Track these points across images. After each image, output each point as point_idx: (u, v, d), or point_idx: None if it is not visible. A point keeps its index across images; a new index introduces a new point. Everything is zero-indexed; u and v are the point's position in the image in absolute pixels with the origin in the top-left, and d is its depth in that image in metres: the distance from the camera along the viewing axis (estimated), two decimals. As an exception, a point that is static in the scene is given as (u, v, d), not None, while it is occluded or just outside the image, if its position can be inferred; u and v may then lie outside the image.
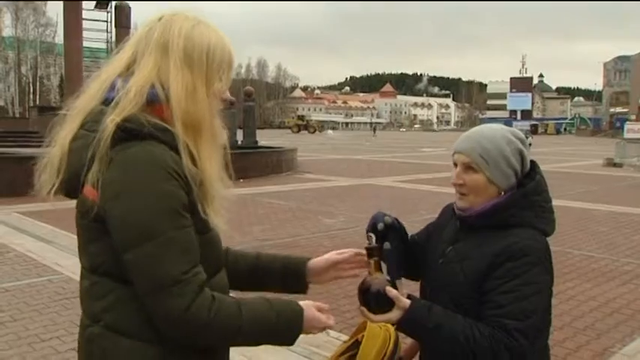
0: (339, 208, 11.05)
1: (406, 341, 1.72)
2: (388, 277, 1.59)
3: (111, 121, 1.21)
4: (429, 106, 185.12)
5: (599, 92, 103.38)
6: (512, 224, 1.59)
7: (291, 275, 1.63)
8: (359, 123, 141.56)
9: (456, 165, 1.67)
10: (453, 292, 1.61)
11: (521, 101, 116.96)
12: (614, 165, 23.38)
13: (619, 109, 77.32)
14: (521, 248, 1.53)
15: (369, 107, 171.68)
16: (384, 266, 1.62)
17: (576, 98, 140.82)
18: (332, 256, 1.66)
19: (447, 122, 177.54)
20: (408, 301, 1.51)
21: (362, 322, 1.66)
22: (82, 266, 1.34)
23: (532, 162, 1.68)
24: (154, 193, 1.19)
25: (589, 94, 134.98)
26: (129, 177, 1.19)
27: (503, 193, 1.62)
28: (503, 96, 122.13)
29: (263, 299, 1.36)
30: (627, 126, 53.67)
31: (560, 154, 33.00)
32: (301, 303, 1.41)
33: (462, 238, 1.69)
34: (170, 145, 1.24)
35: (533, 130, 42.78)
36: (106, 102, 1.28)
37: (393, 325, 1.55)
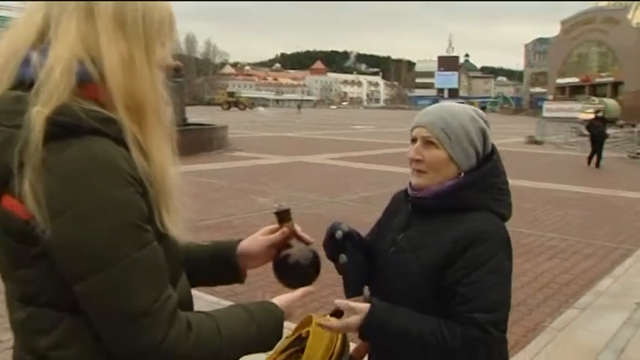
0: (272, 187, 10.87)
1: (356, 339, 1.60)
2: (310, 248, 1.40)
3: (38, 114, 0.93)
4: (359, 84, 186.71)
5: (521, 72, 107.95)
6: (469, 207, 1.49)
7: (221, 264, 1.40)
8: (290, 100, 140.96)
9: (414, 140, 1.55)
10: (408, 285, 1.49)
11: (449, 80, 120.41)
12: (536, 142, 24.52)
13: (538, 89, 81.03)
14: (481, 233, 1.43)
15: (299, 84, 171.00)
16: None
17: (499, 78, 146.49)
18: (263, 237, 1.41)
19: (377, 100, 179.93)
20: (366, 305, 1.39)
21: (307, 316, 1.51)
22: (8, 293, 1.07)
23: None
24: (107, 207, 0.95)
25: (511, 74, 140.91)
26: (73, 188, 0.93)
27: (462, 174, 1.52)
28: (431, 74, 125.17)
29: (242, 310, 1.16)
30: (546, 105, 56.56)
31: (485, 132, 34.13)
32: (282, 302, 1.23)
33: (414, 223, 1.57)
34: (116, 138, 0.98)
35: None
36: (20, 84, 0.99)
37: (355, 332, 1.42)
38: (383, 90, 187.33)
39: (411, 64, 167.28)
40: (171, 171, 1.08)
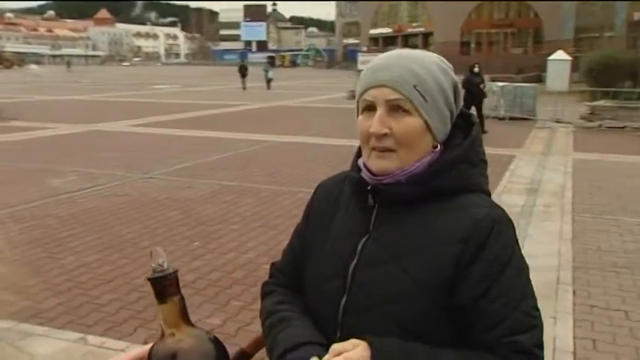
0: (67, 164, 9.71)
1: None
2: (209, 336, 1.07)
3: None
4: (155, 37, 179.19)
5: (332, 23, 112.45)
6: (461, 189, 1.20)
7: None
8: (71, 56, 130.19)
9: (369, 108, 1.19)
10: (396, 312, 1.13)
11: (256, 31, 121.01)
12: (357, 97, 25.63)
13: (351, 40, 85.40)
14: (495, 222, 1.14)
15: (81, 37, 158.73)
16: None
17: (310, 29, 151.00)
18: None
19: (177, 55, 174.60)
20: (363, 343, 1.05)
21: None
22: None
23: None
24: None
25: (322, 25, 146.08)
26: None
27: (438, 147, 1.20)
28: (236, 25, 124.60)
29: None
30: (360, 57, 59.67)
31: (303, 88, 35.09)
32: None
33: (382, 221, 1.21)
34: None
35: (271, 62, 44.39)
36: None
37: None
38: (183, 43, 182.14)
39: (213, 14, 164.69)
40: None
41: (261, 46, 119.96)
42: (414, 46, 54.22)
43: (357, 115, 1.23)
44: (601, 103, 18.36)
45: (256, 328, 3.88)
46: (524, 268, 1.15)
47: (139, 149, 11.54)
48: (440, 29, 59.72)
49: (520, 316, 1.10)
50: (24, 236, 5.82)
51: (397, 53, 1.23)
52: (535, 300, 1.15)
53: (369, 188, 1.22)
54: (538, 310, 1.14)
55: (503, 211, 1.19)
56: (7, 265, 5.05)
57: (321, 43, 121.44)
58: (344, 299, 1.19)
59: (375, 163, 1.19)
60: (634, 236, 6.14)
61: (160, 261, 1.03)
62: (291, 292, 1.33)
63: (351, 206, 1.28)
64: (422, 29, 65.40)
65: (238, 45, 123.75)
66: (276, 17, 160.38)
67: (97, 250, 5.43)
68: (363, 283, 1.17)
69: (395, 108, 1.16)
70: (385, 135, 1.16)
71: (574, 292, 4.56)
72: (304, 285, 1.30)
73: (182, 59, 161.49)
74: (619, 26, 51.03)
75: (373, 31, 73.41)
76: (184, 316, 1.04)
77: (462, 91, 1.27)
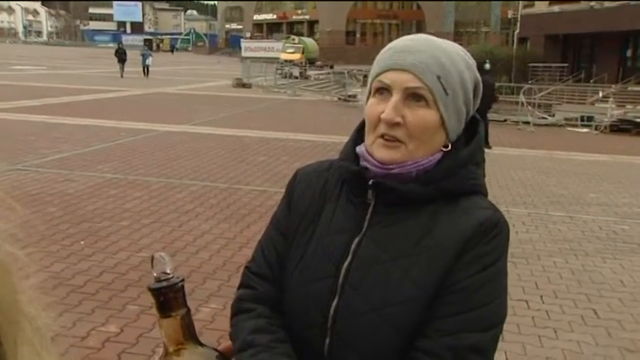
0: None
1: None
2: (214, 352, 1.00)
3: None
4: (10, 10, 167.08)
5: (214, 6, 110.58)
6: (466, 190, 1.16)
7: None
8: None
9: (381, 90, 1.12)
10: (397, 316, 1.08)
11: (131, 12, 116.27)
12: (244, 85, 25.45)
13: (234, 26, 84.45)
14: (495, 225, 1.12)
15: None
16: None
17: (189, 11, 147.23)
18: None
19: (39, 33, 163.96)
20: None
21: None
22: None
23: None
24: None
25: (203, 8, 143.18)
26: None
27: (449, 147, 1.16)
28: (108, 4, 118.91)
29: None
30: (244, 44, 59.28)
31: (187, 75, 34.13)
32: None
33: (380, 219, 1.15)
34: None
35: (149, 46, 42.72)
36: None
37: None
38: (46, 20, 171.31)
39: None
40: None
41: (137, 27, 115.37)
42: (300, 34, 54.71)
43: (368, 98, 1.15)
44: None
45: (158, 334, 3.74)
46: (502, 280, 1.12)
47: (4, 137, 10.67)
48: (325, 17, 60.64)
49: (475, 317, 1.07)
50: None
51: (424, 37, 1.17)
52: (499, 316, 1.11)
53: (370, 183, 1.14)
54: (497, 327, 1.10)
55: (504, 216, 1.17)
56: None
57: (201, 27, 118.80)
58: (335, 302, 1.12)
59: (380, 151, 1.12)
60: (525, 227, 6.56)
61: (164, 268, 0.92)
62: (273, 314, 1.19)
63: (342, 200, 1.20)
64: (307, 17, 66.04)
65: (111, 25, 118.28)
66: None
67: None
68: (358, 285, 1.11)
69: (413, 96, 1.10)
70: (397, 124, 1.09)
71: (477, 284, 4.78)
72: (283, 284, 1.19)
73: (44, 38, 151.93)
74: (494, 23, 54.47)
75: (257, 17, 73.10)
76: (191, 332, 0.94)
77: (481, 91, 1.22)
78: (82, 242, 5.33)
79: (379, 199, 1.15)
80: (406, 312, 1.08)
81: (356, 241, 1.14)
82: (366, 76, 15.27)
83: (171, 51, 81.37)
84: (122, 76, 28.04)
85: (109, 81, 25.92)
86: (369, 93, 1.16)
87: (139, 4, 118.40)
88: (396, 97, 1.09)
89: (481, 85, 1.21)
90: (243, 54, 52.31)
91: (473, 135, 1.20)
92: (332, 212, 1.20)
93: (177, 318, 0.93)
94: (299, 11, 67.32)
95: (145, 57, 30.02)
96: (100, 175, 7.91)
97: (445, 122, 1.13)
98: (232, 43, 75.61)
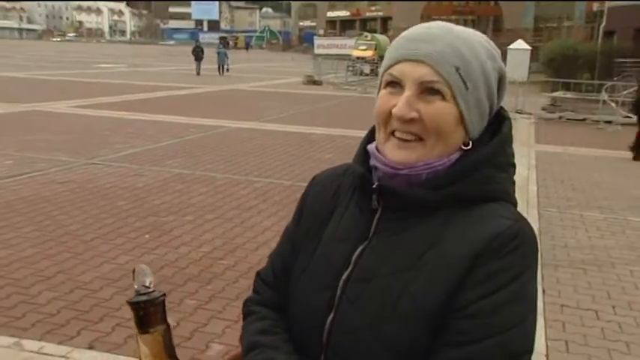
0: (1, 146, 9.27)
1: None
2: None
3: None
4: (98, 12, 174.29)
5: (288, 4, 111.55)
6: (482, 197, 1.03)
7: None
8: (3, 28, 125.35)
9: (393, 84, 1.03)
10: (393, 335, 0.99)
11: (208, 10, 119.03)
12: (315, 83, 25.52)
13: (308, 23, 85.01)
14: (514, 237, 0.98)
15: (15, 8, 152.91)
16: None
17: (265, 9, 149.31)
18: None
19: (123, 32, 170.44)
20: None
21: None
22: None
23: None
24: None
25: (278, 6, 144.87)
26: None
27: (469, 145, 1.04)
28: (187, 3, 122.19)
29: None
30: (317, 41, 59.53)
31: (260, 72, 34.65)
32: None
33: (386, 227, 1.05)
34: None
35: (224, 44, 43.51)
36: None
37: None
38: (129, 20, 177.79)
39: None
40: None
41: (213, 25, 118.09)
42: (373, 31, 54.43)
43: (378, 91, 1.07)
44: (560, 94, 18.75)
45: (213, 330, 3.75)
46: (525, 301, 0.98)
47: (83, 132, 11.11)
48: (399, 14, 59.97)
49: (490, 347, 0.94)
50: (-46, 227, 5.50)
51: (441, 24, 1.06)
52: (522, 346, 0.97)
53: (374, 187, 1.06)
54: (521, 351, 0.97)
55: (530, 227, 1.03)
56: None
57: (276, 24, 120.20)
58: (331, 316, 1.05)
59: (393, 152, 1.03)
60: (600, 232, 6.24)
61: (144, 281, 0.88)
62: (278, 316, 1.16)
63: (351, 206, 1.12)
64: (380, 13, 65.59)
65: (189, 24, 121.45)
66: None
67: (35, 242, 5.15)
68: (355, 299, 1.03)
69: (428, 90, 1.00)
70: (412, 120, 1.00)
71: (543, 291, 4.57)
72: (289, 292, 1.14)
73: (128, 37, 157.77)
74: (578, 17, 52.33)
75: (330, 14, 73.21)
76: (169, 351, 0.90)
77: (507, 84, 1.11)
78: (146, 235, 5.45)
79: (386, 205, 1.05)
80: (403, 331, 0.98)
81: (358, 250, 1.06)
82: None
83: (246, 48, 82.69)
84: (199, 74, 28.58)
85: (185, 78, 26.61)
86: (380, 86, 1.06)
87: (216, 2, 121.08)
88: (408, 92, 1.00)
89: (506, 77, 1.09)
90: (316, 51, 52.45)
91: (497, 133, 1.07)
92: (340, 218, 1.13)
93: (156, 334, 0.89)
94: (372, 8, 67.01)
95: (220, 55, 30.04)
96: (169, 170, 8.09)
97: (465, 118, 1.02)
98: (306, 40, 76.10)
